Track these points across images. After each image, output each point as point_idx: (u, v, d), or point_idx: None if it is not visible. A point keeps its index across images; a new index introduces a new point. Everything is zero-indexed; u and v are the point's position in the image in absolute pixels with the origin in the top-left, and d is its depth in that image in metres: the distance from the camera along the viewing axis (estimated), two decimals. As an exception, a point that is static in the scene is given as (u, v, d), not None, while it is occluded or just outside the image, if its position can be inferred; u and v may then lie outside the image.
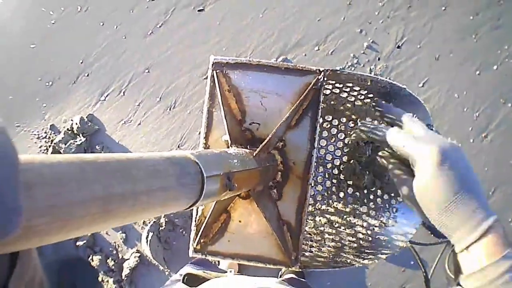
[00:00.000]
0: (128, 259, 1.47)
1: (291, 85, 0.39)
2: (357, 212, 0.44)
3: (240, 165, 0.30)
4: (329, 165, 0.45)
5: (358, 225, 0.44)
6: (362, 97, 0.40)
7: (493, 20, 1.50)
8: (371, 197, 0.45)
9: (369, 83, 0.38)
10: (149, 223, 1.46)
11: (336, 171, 0.46)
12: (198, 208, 0.39)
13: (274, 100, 0.39)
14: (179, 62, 1.54)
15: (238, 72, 0.41)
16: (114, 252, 1.50)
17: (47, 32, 1.72)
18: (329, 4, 1.52)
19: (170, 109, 1.52)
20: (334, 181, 0.45)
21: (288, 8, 1.53)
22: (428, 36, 1.50)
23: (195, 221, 0.40)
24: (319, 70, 0.39)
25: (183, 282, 0.58)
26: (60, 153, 1.55)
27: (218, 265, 1.28)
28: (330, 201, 0.44)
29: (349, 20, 1.51)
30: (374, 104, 0.40)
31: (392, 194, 0.45)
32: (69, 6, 1.72)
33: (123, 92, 1.57)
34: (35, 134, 1.65)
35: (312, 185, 0.39)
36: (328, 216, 0.44)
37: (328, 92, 0.41)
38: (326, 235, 0.44)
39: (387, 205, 0.44)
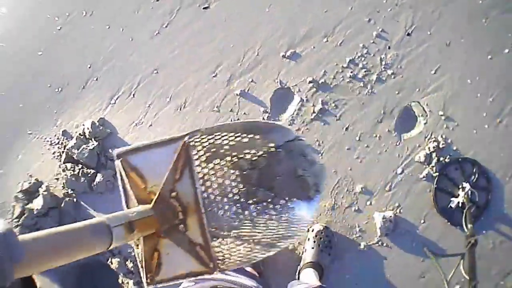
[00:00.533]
0: (147, 260, 1.47)
1: (172, 151, 0.53)
2: (261, 220, 0.55)
3: (137, 215, 0.47)
4: (230, 195, 0.56)
5: (264, 228, 0.55)
6: (232, 137, 0.52)
7: (502, 3, 1.45)
8: (271, 206, 0.55)
9: (228, 127, 0.51)
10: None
11: (237, 197, 0.56)
12: (138, 255, 0.54)
13: (164, 165, 0.53)
14: (187, 62, 1.52)
15: (136, 155, 0.54)
16: (133, 253, 1.49)
17: (54, 38, 1.71)
18: (336, -6, 1.48)
19: (180, 109, 1.50)
20: (238, 205, 0.55)
21: (294, 0, 1.49)
22: (437, 23, 1.46)
23: (140, 264, 0.54)
24: (183, 135, 0.52)
25: None
26: (74, 158, 1.54)
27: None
28: (240, 219, 0.56)
29: (357, 10, 1.47)
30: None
31: (287, 198, 0.55)
32: (74, 11, 1.70)
33: (133, 94, 1.55)
34: (47, 141, 1.64)
35: (206, 214, 0.52)
36: (239, 230, 0.55)
37: (207, 143, 0.53)
38: (240, 243, 0.56)
39: (285, 208, 0.55)
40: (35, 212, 1.53)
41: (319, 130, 1.42)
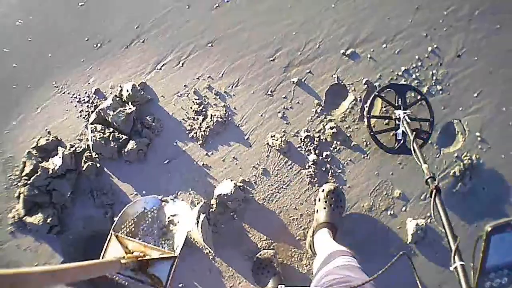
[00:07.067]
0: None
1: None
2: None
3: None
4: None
5: None
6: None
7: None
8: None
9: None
10: (198, 203, 1.26)
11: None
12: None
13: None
14: (246, 40, 1.35)
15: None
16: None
17: (99, -9, 1.46)
18: (399, 5, 1.39)
19: (232, 87, 1.32)
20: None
21: (360, 3, 1.38)
22: (484, 50, 1.41)
23: None
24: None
25: None
26: (106, 120, 1.30)
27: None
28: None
29: (416, 23, 1.39)
30: None
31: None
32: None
33: (182, 64, 1.35)
34: (75, 97, 1.39)
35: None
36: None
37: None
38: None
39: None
40: (50, 172, 1.27)
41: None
